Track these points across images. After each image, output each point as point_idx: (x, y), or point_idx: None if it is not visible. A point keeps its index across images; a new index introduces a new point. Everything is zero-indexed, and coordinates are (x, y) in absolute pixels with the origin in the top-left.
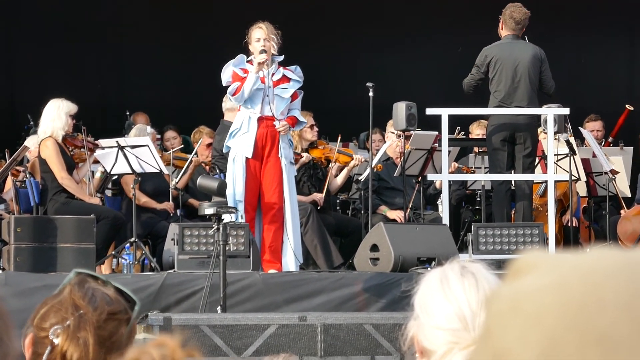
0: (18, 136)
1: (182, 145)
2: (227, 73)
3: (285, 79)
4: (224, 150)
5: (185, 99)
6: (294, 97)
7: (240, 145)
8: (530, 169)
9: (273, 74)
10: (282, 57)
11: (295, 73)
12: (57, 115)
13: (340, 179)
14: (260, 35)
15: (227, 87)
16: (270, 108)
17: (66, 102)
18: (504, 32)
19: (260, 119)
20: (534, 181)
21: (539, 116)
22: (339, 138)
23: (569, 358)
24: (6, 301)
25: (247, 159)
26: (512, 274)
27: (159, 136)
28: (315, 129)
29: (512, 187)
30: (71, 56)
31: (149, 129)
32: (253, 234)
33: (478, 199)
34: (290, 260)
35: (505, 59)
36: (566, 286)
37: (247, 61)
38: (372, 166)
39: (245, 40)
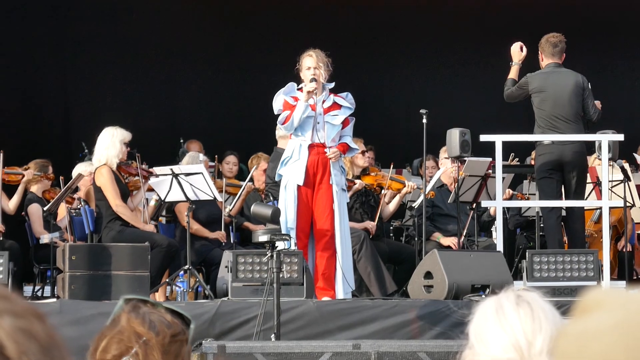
0: (72, 164)
1: (236, 173)
2: (278, 102)
3: (336, 105)
4: (277, 178)
5: (241, 126)
6: (345, 123)
7: (291, 172)
8: (579, 196)
9: (324, 101)
10: (332, 85)
11: (346, 100)
12: (111, 143)
13: (392, 206)
14: (311, 64)
15: (279, 115)
16: (320, 135)
17: (120, 130)
18: (544, 62)
19: (311, 146)
20: (587, 207)
21: (587, 144)
22: (392, 165)
23: None
24: (59, 331)
25: (298, 186)
26: (578, 312)
27: (212, 163)
28: (367, 155)
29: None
30: (125, 83)
31: (201, 156)
32: (307, 261)
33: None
34: (342, 288)
35: (548, 89)
36: (631, 325)
37: (298, 89)
38: (426, 193)
39: (297, 67)
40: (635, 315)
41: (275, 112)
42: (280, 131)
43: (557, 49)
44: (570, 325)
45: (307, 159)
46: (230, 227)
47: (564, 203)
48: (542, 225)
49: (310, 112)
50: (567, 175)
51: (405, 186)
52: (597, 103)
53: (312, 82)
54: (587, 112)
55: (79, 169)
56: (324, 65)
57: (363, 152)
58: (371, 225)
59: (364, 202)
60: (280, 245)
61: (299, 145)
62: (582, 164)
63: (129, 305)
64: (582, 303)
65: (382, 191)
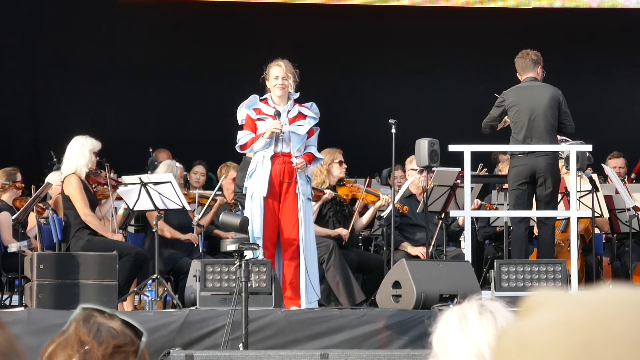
0: (41, 173)
1: (204, 183)
2: (241, 113)
3: (301, 115)
4: (244, 191)
5: (209, 135)
6: (310, 133)
7: (256, 184)
8: (551, 206)
9: (289, 111)
10: (297, 95)
11: (311, 110)
12: (81, 153)
13: (365, 219)
14: (279, 74)
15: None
16: (285, 146)
17: (90, 140)
18: (522, 78)
19: (275, 157)
20: (557, 218)
21: (559, 157)
22: (367, 179)
23: None
24: (21, 340)
25: (264, 197)
26: (521, 312)
27: (186, 172)
28: (344, 166)
29: (532, 225)
30: (94, 93)
31: (177, 164)
32: (274, 270)
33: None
34: (307, 296)
35: (523, 102)
36: (572, 323)
37: (261, 100)
38: (395, 203)
39: (263, 76)
40: (574, 312)
41: (239, 122)
42: None
43: (526, 61)
44: (511, 325)
45: (271, 169)
46: (200, 236)
47: (532, 213)
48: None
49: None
50: (539, 186)
51: (379, 199)
52: None
53: (277, 117)
54: (564, 126)
55: (51, 178)
56: (292, 75)
57: (340, 162)
58: (345, 232)
59: (337, 212)
60: (248, 254)
61: (262, 157)
62: (555, 175)
63: (82, 314)
64: (524, 304)
65: (357, 202)
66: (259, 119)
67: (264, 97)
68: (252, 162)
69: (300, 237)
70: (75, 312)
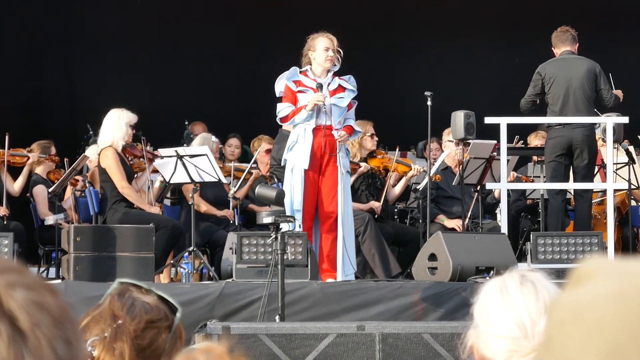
0: (77, 145)
1: (239, 155)
2: (280, 85)
3: (340, 88)
4: (282, 163)
5: (245, 108)
6: (349, 107)
7: (297, 157)
8: (587, 179)
9: (329, 84)
10: (337, 67)
11: (349, 82)
12: (117, 126)
13: (398, 189)
14: (330, 45)
15: (281, 97)
16: (326, 118)
17: (126, 112)
18: (557, 50)
19: (316, 129)
20: (593, 190)
21: (601, 129)
22: (398, 148)
23: None
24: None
25: (305, 169)
26: (573, 282)
27: (222, 145)
28: (375, 138)
29: (569, 197)
30: (130, 65)
31: (214, 138)
32: (311, 243)
33: (539, 210)
34: (343, 269)
35: (559, 75)
36: (627, 294)
37: (301, 72)
38: (430, 175)
39: (307, 47)
40: (631, 284)
41: (277, 95)
42: None
43: (566, 35)
44: (565, 295)
45: (312, 142)
46: (235, 210)
47: (568, 185)
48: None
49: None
50: (576, 158)
51: (411, 169)
52: (618, 92)
53: (319, 88)
54: (602, 98)
55: (90, 151)
56: (339, 50)
57: (372, 135)
58: (377, 205)
59: (369, 184)
60: (284, 227)
61: (304, 129)
62: (591, 147)
63: (118, 288)
64: (577, 273)
65: (388, 174)
66: (299, 91)
67: (303, 69)
68: (293, 135)
69: (339, 210)
70: (112, 285)
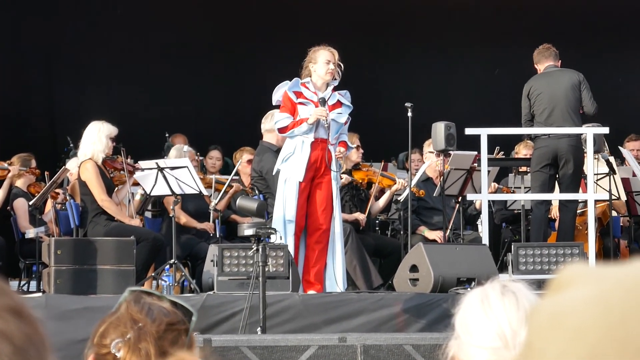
0: (58, 158)
1: (220, 167)
2: (279, 93)
3: (338, 103)
4: (274, 173)
5: (226, 120)
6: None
7: (292, 169)
8: (573, 189)
9: (328, 98)
10: (337, 82)
11: (345, 97)
12: (97, 138)
13: (382, 202)
14: (331, 58)
15: (276, 106)
16: (324, 132)
17: (107, 125)
18: (540, 66)
19: (314, 143)
20: (578, 201)
21: (582, 139)
22: (382, 162)
23: None
24: (43, 324)
25: (299, 182)
26: (553, 288)
27: (200, 157)
28: (361, 150)
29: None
30: (110, 78)
31: (186, 147)
32: (297, 254)
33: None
34: (333, 283)
35: (544, 88)
36: (607, 299)
37: (302, 83)
38: (412, 188)
39: (307, 59)
40: (610, 289)
41: (274, 103)
42: (266, 124)
43: (549, 52)
44: (545, 301)
45: (310, 155)
46: (217, 222)
47: (549, 196)
48: (529, 217)
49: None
50: (562, 168)
51: (395, 183)
52: None
53: (323, 105)
54: (584, 104)
55: (71, 164)
56: (340, 64)
57: (357, 147)
58: (362, 217)
59: (353, 196)
60: (273, 238)
61: (302, 142)
62: (577, 158)
63: (132, 295)
64: (557, 279)
65: (373, 187)
66: (300, 103)
67: (303, 80)
68: (289, 146)
69: (336, 225)
70: (123, 294)
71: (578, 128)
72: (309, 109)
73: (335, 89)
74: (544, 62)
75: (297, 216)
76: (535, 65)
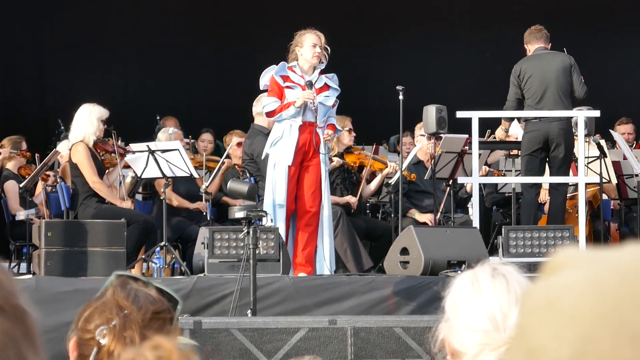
0: (49, 141)
1: (212, 150)
2: (266, 78)
3: (326, 86)
4: (262, 157)
5: (218, 103)
6: (332, 105)
7: (281, 153)
8: (563, 172)
9: (315, 81)
10: (324, 65)
11: (332, 80)
12: (88, 121)
13: (373, 185)
14: (317, 42)
15: (264, 90)
16: (312, 115)
17: (98, 107)
18: (530, 47)
19: (302, 127)
20: (568, 184)
21: (573, 122)
22: (374, 145)
23: (603, 356)
24: (33, 314)
25: (289, 165)
26: (546, 271)
27: (186, 140)
28: (353, 134)
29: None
30: (101, 60)
31: (171, 129)
32: (287, 237)
33: None
34: (323, 265)
35: (535, 71)
36: (601, 283)
37: (289, 67)
38: (403, 171)
39: (293, 43)
40: (604, 272)
41: (262, 87)
42: (257, 107)
43: (540, 34)
44: (538, 284)
45: (298, 138)
46: (208, 204)
47: (539, 179)
48: (520, 200)
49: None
50: (553, 151)
51: (387, 166)
52: None
53: (310, 87)
54: (575, 88)
55: (62, 147)
56: (326, 47)
57: (350, 130)
58: (353, 200)
59: (345, 179)
60: (264, 221)
61: (289, 125)
62: (568, 141)
63: (118, 280)
64: (551, 262)
65: (364, 170)
66: (287, 87)
67: (290, 64)
68: (277, 130)
69: (324, 208)
70: (109, 278)
71: (569, 111)
72: (296, 92)
73: (323, 72)
74: (535, 43)
75: (287, 200)
76: (525, 45)
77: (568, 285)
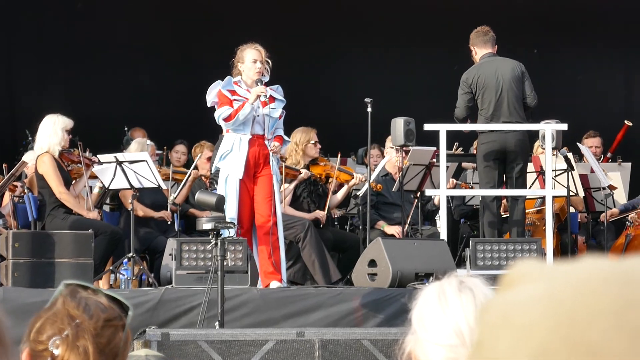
0: (16, 151)
1: (185, 162)
2: (212, 94)
3: (271, 98)
4: (212, 171)
5: (188, 115)
6: (279, 117)
7: (231, 166)
8: (521, 185)
9: (264, 83)
10: (267, 78)
11: (277, 92)
12: (53, 131)
13: (340, 195)
14: (257, 57)
15: (211, 107)
16: (259, 128)
17: (62, 118)
18: (478, 55)
19: (252, 140)
20: (530, 197)
21: (530, 131)
22: (339, 155)
23: None
24: (4, 322)
25: (240, 179)
26: (504, 285)
27: (158, 152)
28: (319, 146)
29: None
30: (70, 71)
31: (148, 141)
32: (251, 250)
33: None
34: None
35: (487, 79)
36: (556, 296)
37: (234, 82)
38: (371, 182)
39: (235, 59)
40: (559, 286)
41: (209, 104)
42: None
43: (488, 37)
44: (495, 298)
45: (248, 151)
46: (175, 215)
47: (507, 192)
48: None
49: (257, 109)
50: (509, 164)
51: (353, 177)
52: None
53: (259, 84)
54: (527, 97)
55: (27, 157)
56: (268, 61)
57: (315, 143)
58: (322, 214)
59: (311, 192)
60: (225, 233)
61: (239, 139)
62: (525, 151)
63: (67, 289)
64: (507, 276)
65: (330, 180)
66: (235, 100)
67: (235, 79)
68: (226, 143)
69: (278, 217)
70: (58, 288)
71: (537, 124)
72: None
73: (267, 84)
74: (482, 47)
75: (241, 213)
76: (470, 47)
77: (523, 300)
